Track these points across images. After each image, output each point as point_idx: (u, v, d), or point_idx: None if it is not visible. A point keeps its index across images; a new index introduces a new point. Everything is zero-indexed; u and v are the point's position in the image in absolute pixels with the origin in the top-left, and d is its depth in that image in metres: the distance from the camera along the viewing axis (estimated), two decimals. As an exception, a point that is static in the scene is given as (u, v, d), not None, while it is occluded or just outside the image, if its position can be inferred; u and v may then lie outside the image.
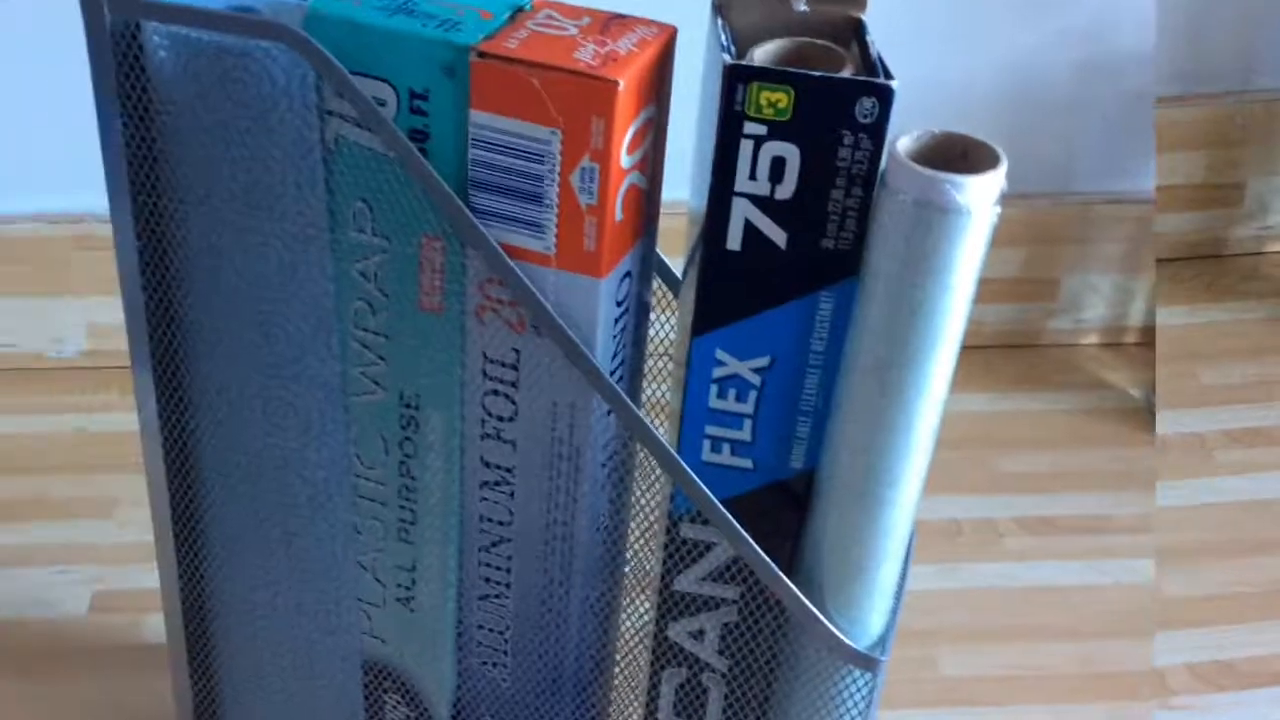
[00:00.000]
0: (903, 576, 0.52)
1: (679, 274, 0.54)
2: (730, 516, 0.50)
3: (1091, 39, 0.94)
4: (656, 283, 0.57)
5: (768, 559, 0.50)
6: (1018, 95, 0.96)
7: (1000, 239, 0.97)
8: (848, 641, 0.51)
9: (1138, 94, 0.96)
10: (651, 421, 0.50)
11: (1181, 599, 0.75)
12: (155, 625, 0.73)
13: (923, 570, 0.81)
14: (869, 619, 0.51)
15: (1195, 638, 0.74)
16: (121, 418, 0.88)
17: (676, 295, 0.55)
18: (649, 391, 0.57)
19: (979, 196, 0.43)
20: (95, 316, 0.91)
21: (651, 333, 0.55)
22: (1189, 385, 0.90)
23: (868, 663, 0.51)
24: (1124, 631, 0.77)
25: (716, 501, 0.49)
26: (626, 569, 0.56)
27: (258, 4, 0.50)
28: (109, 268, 0.88)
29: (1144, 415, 0.95)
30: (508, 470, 0.52)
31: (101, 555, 0.78)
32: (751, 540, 0.50)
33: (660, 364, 0.57)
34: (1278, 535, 0.78)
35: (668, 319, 0.57)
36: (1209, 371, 0.91)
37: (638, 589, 0.57)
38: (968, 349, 0.97)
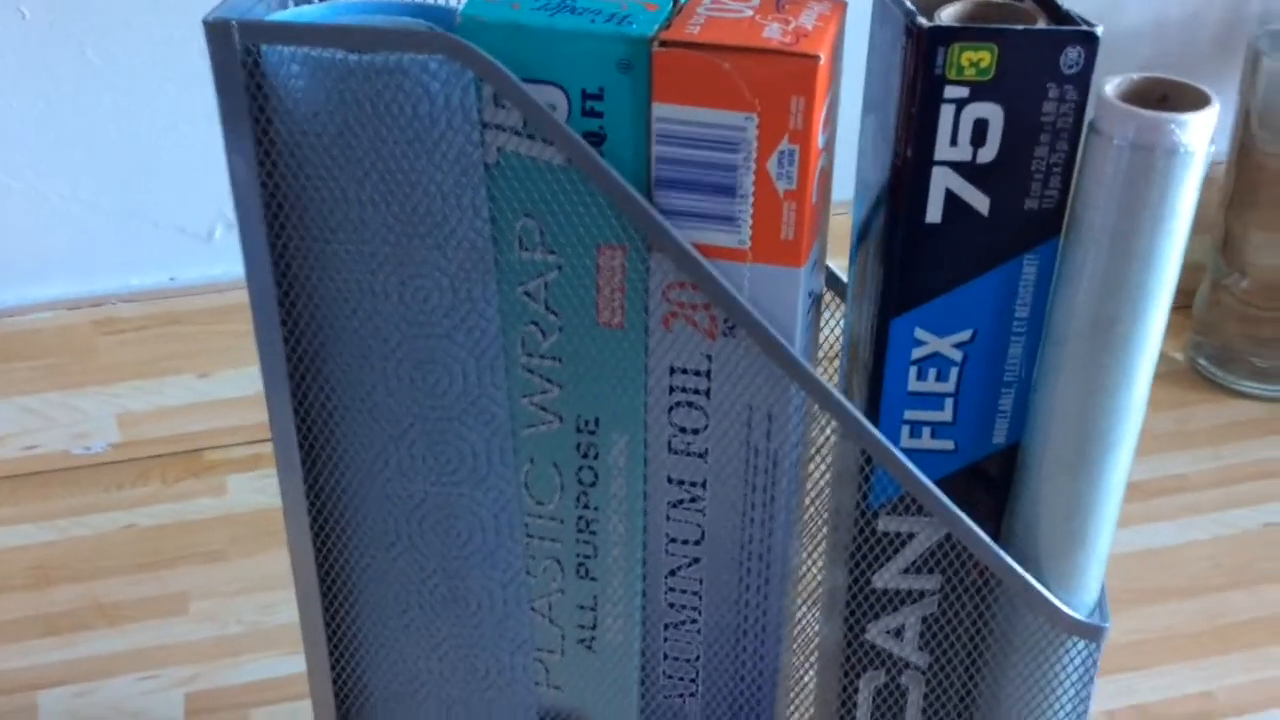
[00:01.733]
0: (1111, 541, 0.51)
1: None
2: (944, 497, 0.48)
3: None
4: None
5: (986, 536, 0.48)
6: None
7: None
8: (1071, 612, 0.49)
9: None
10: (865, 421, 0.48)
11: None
12: (267, 717, 0.70)
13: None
14: (1086, 587, 0.50)
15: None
16: (171, 508, 0.84)
17: (830, 287, 0.53)
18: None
19: (1199, 135, 0.42)
20: (125, 405, 0.86)
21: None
22: None
23: (1092, 632, 0.50)
24: (1239, 583, 0.77)
25: (930, 484, 0.47)
26: (815, 576, 0.54)
27: (382, 14, 0.47)
28: (137, 350, 0.85)
29: (1193, 376, 0.96)
30: (699, 485, 0.50)
31: (184, 655, 0.74)
32: (967, 518, 0.48)
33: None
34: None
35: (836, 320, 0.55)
36: None
37: (809, 597, 0.54)
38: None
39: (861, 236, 0.50)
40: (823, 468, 0.53)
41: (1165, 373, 0.95)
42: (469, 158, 0.45)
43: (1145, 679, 0.72)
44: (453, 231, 0.46)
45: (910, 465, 0.47)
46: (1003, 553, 0.48)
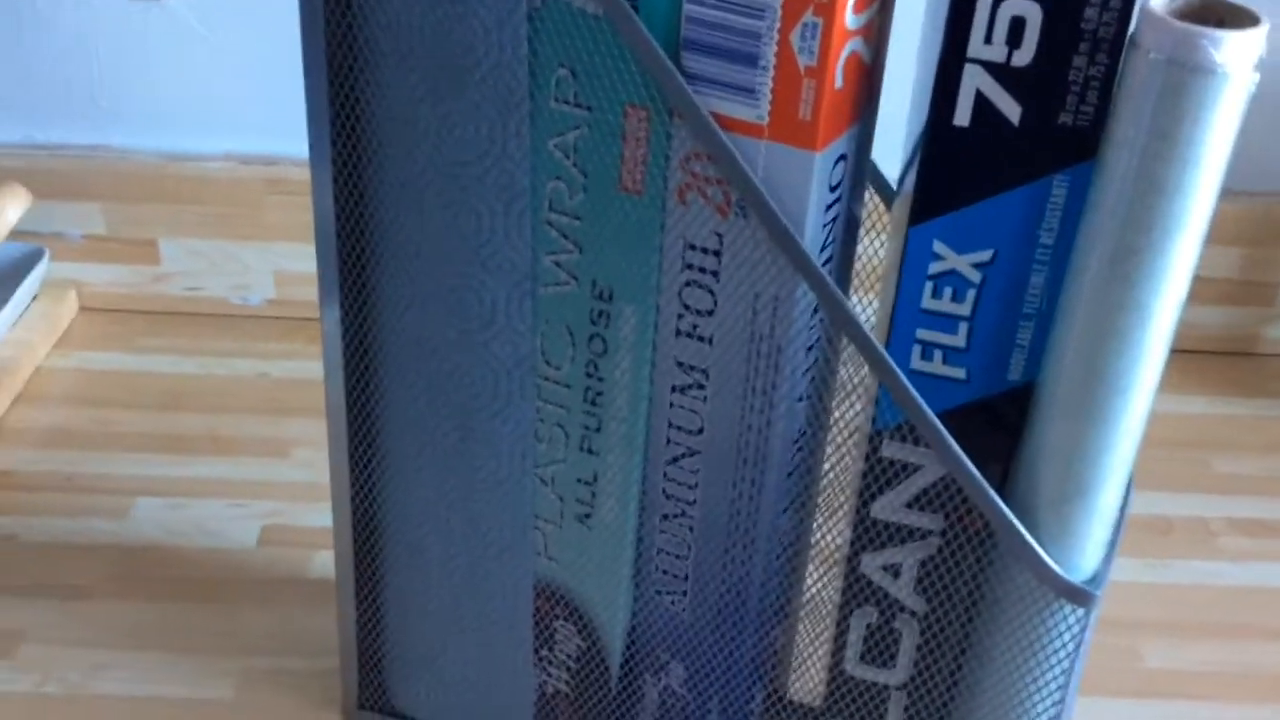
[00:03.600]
0: (1123, 509, 0.48)
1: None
2: (940, 425, 0.46)
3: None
4: (872, 200, 0.54)
5: (979, 475, 0.46)
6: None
7: (1218, 237, 0.92)
8: (1059, 571, 0.46)
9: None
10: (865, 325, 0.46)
11: (1162, 671, 0.71)
12: (323, 561, 0.72)
13: (1130, 564, 0.76)
14: (1085, 549, 0.47)
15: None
16: (305, 365, 0.88)
17: (891, 209, 0.52)
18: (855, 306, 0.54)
19: (1237, 57, 0.39)
20: (284, 264, 0.91)
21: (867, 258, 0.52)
22: (1199, 472, 0.85)
23: (1081, 597, 0.47)
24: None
25: (925, 407, 0.46)
26: (820, 492, 0.53)
27: None
28: (301, 214, 0.89)
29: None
30: (702, 371, 0.49)
31: (274, 492, 0.77)
32: (962, 454, 0.46)
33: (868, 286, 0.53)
34: (1264, 620, 0.74)
35: (882, 243, 0.53)
36: (1221, 460, 0.86)
37: (829, 516, 0.53)
38: (1180, 353, 0.94)
39: (911, 146, 0.48)
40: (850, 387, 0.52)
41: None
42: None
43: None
44: (491, 70, 0.47)
45: (909, 386, 0.45)
46: (995, 496, 0.46)
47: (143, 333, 0.91)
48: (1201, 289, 0.95)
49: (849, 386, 0.49)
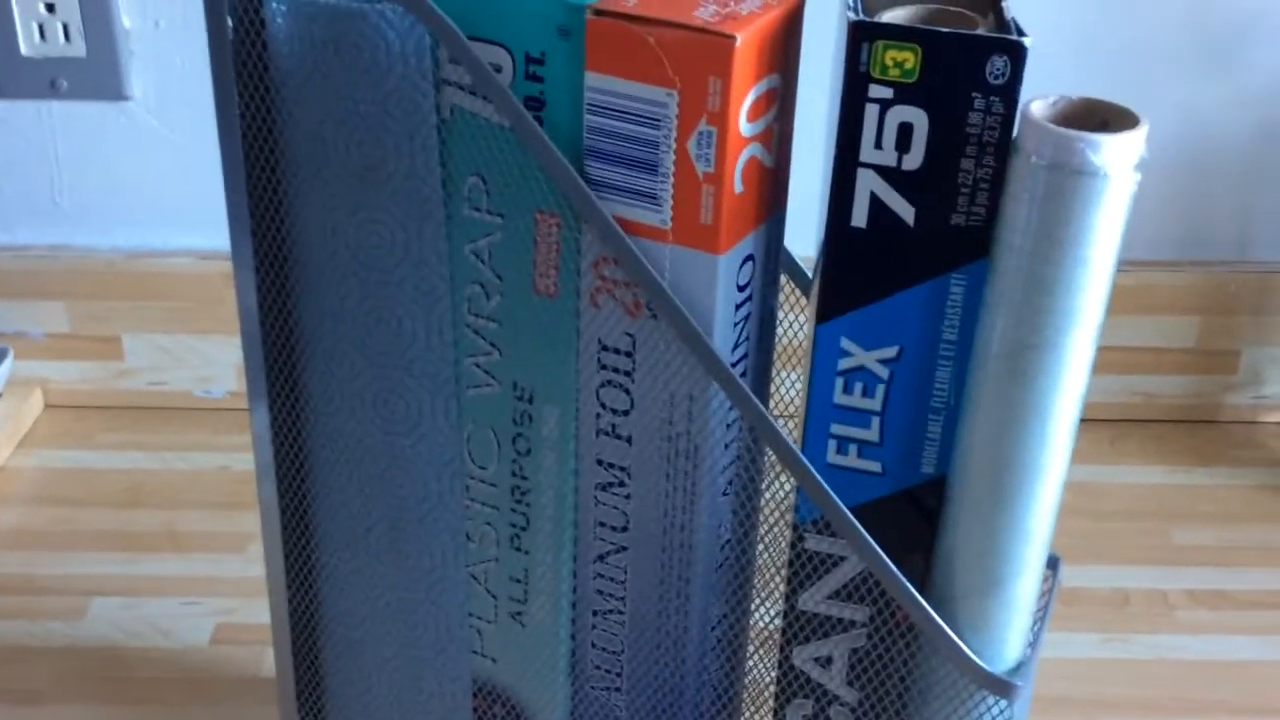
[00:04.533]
0: (1047, 600, 0.48)
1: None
2: (854, 519, 0.46)
3: (1271, 100, 0.90)
4: (790, 288, 0.54)
5: (895, 569, 0.46)
6: (1192, 157, 0.91)
7: (1175, 307, 0.93)
8: (980, 663, 0.47)
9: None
10: (775, 421, 0.47)
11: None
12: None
13: (1088, 639, 0.76)
14: (1006, 640, 0.47)
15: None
16: (263, 457, 0.88)
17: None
18: (779, 396, 0.55)
19: (1117, 158, 0.39)
20: (244, 357, 0.92)
21: (789, 340, 0.52)
22: (1157, 543, 0.85)
23: (1003, 688, 0.47)
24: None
25: (839, 502, 0.46)
26: (754, 581, 0.53)
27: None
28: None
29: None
30: (623, 470, 0.49)
31: (228, 589, 0.77)
32: (878, 547, 0.46)
33: (792, 374, 0.54)
34: (1225, 696, 0.74)
35: (803, 324, 0.54)
36: (1180, 531, 0.86)
37: (764, 604, 0.53)
38: (1140, 422, 0.95)
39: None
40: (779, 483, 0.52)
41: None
42: (421, 110, 0.46)
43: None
44: (404, 180, 0.47)
45: (822, 482, 0.46)
46: (912, 589, 0.46)
47: (104, 429, 0.92)
48: (1160, 359, 0.95)
49: (773, 479, 0.50)
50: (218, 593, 0.77)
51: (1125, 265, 0.43)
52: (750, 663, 0.55)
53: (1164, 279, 0.92)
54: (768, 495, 0.51)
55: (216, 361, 0.92)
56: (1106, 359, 0.93)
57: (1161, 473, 0.91)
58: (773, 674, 0.53)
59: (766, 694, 0.54)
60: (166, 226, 0.90)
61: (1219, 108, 0.90)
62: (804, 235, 0.51)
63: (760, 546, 0.53)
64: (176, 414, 0.93)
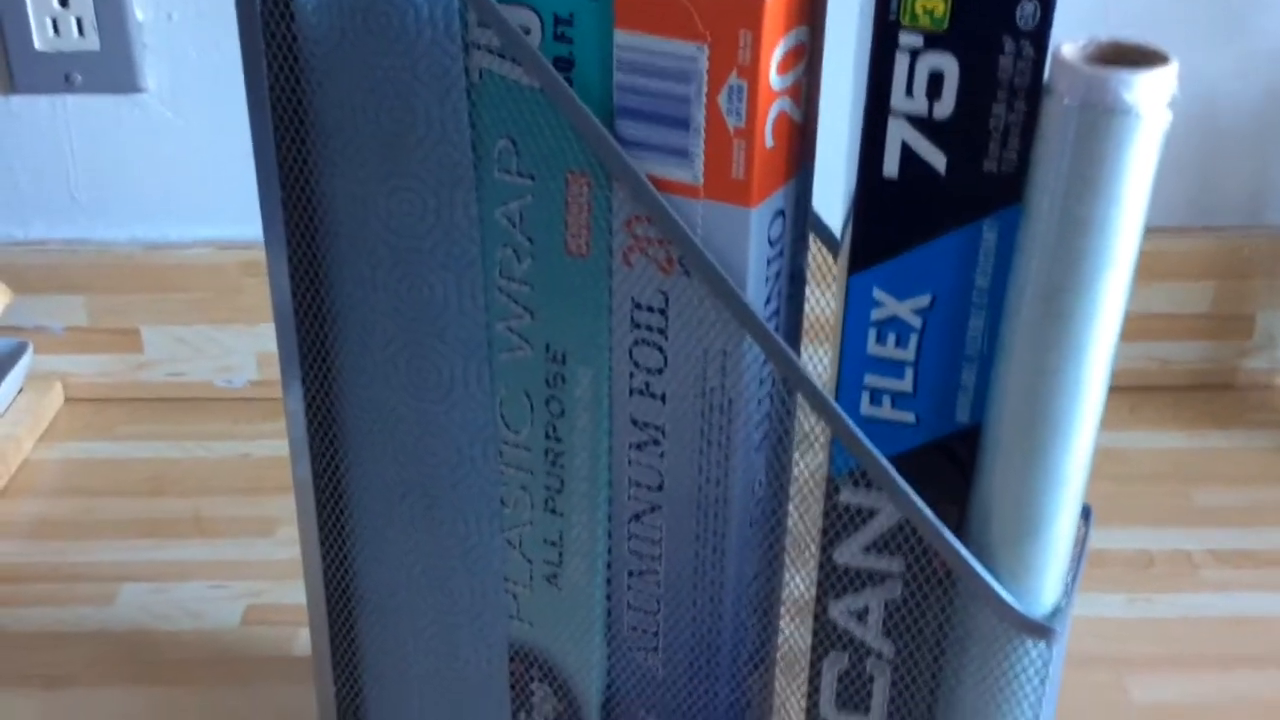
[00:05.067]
0: (1083, 541, 0.48)
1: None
2: (892, 469, 0.46)
3: (1283, 62, 0.90)
4: (815, 263, 0.55)
5: (933, 517, 0.47)
6: (1204, 122, 0.92)
7: (1190, 272, 0.93)
8: (1018, 608, 0.47)
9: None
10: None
11: (1148, 705, 0.71)
12: (306, 638, 0.73)
13: (1113, 599, 0.76)
14: (1043, 586, 0.47)
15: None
16: (285, 445, 0.89)
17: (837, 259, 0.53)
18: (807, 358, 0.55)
19: (1149, 96, 0.40)
20: (266, 345, 0.92)
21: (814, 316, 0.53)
22: (1179, 505, 0.86)
23: (1041, 632, 0.47)
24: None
25: (876, 451, 0.46)
26: (786, 541, 0.53)
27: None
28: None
29: None
30: (658, 428, 0.50)
31: (258, 571, 0.78)
32: (915, 496, 0.47)
33: (819, 350, 0.54)
34: (1251, 651, 0.75)
35: (829, 300, 0.54)
36: (1201, 493, 0.87)
37: (797, 564, 0.53)
38: (1158, 389, 0.95)
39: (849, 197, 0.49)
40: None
41: None
42: (450, 74, 0.47)
43: None
44: (434, 146, 0.48)
45: (859, 432, 0.46)
46: (951, 536, 0.47)
47: (125, 420, 0.92)
48: (1176, 324, 0.96)
49: (809, 434, 0.50)
50: (246, 575, 0.77)
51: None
52: (788, 622, 0.55)
53: (1177, 245, 0.93)
54: (805, 449, 0.51)
55: (236, 351, 0.92)
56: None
57: (1181, 437, 0.92)
58: (808, 630, 0.54)
59: (802, 648, 0.54)
60: (183, 218, 0.91)
61: (1231, 73, 0.90)
62: (827, 196, 0.51)
63: (792, 505, 0.53)
64: (197, 404, 0.93)
